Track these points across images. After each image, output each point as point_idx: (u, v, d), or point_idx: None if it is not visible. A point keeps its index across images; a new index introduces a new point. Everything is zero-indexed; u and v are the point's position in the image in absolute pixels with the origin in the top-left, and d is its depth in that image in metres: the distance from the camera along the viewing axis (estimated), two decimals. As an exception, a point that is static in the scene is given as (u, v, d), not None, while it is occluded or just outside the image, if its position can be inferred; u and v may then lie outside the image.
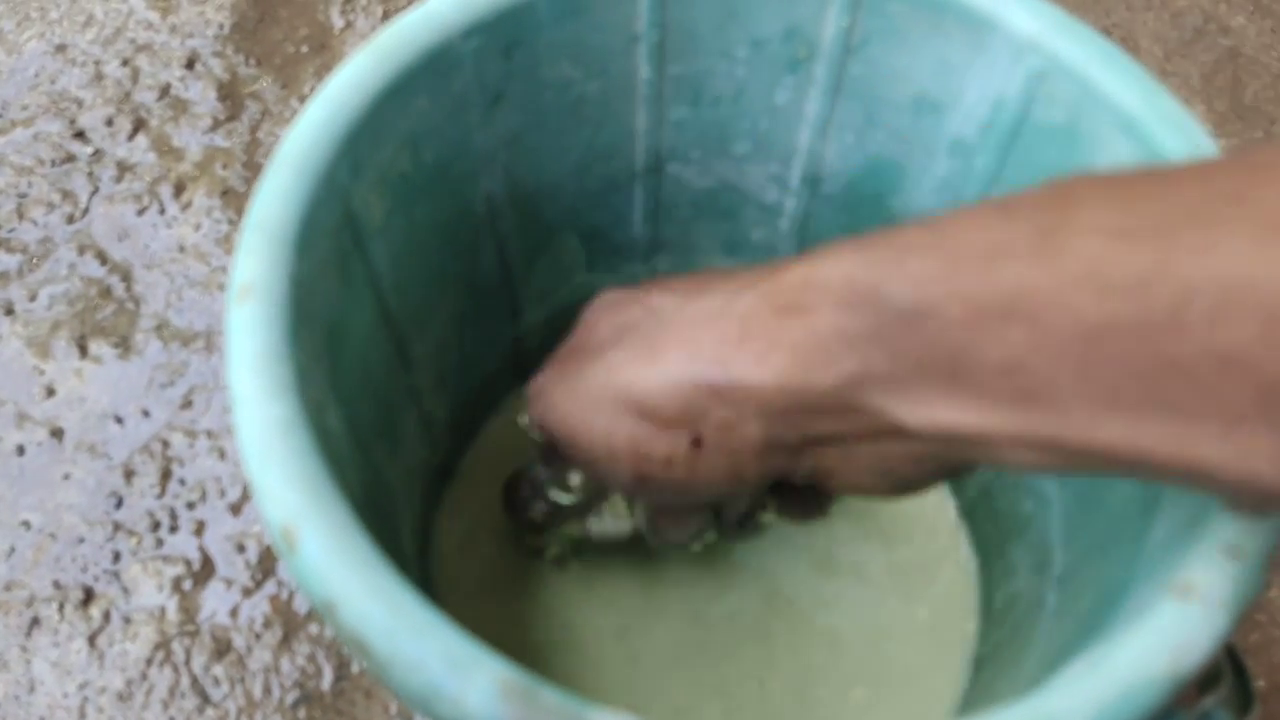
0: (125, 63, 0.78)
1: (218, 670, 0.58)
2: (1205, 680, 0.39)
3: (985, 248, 0.29)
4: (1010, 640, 0.49)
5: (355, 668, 0.57)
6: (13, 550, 0.61)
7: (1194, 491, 0.33)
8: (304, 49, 0.80)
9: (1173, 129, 0.41)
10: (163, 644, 0.58)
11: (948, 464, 0.36)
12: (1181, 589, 0.31)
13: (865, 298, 0.31)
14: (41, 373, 0.66)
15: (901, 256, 0.30)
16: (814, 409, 0.34)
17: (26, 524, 0.61)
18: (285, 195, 0.37)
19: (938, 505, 0.57)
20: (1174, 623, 0.31)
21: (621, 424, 0.37)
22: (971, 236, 0.29)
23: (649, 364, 0.36)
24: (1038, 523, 0.49)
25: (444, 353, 0.50)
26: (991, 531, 0.54)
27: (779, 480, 0.38)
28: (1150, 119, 0.41)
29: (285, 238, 0.37)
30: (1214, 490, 0.29)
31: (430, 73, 0.42)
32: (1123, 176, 0.28)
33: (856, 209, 0.53)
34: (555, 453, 0.42)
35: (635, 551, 0.54)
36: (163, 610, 0.59)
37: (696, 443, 0.36)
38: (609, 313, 0.41)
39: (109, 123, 0.75)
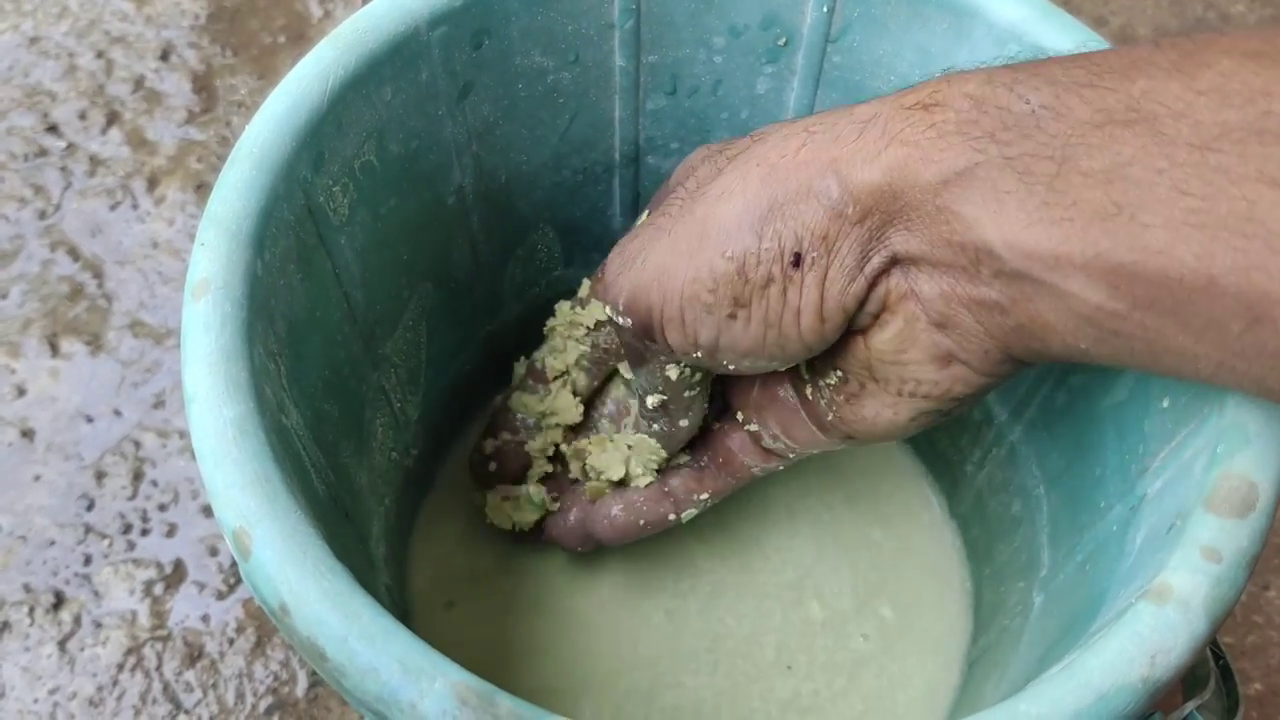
0: (99, 54, 0.77)
1: (190, 676, 0.57)
2: (1191, 684, 0.38)
3: (1126, 63, 0.29)
4: (998, 643, 0.49)
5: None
6: (-18, 552, 0.60)
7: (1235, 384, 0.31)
8: (281, 39, 0.79)
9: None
10: (134, 649, 0.57)
11: (1003, 364, 0.35)
12: (1159, 592, 0.31)
13: (998, 96, 0.31)
14: (12, 371, 0.65)
15: (1042, 66, 0.31)
16: (910, 210, 0.33)
17: (-4, 526, 0.60)
18: (244, 189, 0.37)
19: (928, 506, 0.56)
20: (1150, 626, 0.30)
21: (728, 245, 0.35)
22: (1117, 57, 0.30)
23: (758, 188, 0.35)
24: (1026, 524, 0.49)
25: (415, 350, 0.49)
26: (980, 533, 0.53)
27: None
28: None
29: (243, 232, 0.36)
30: (1267, 347, 0.28)
31: (396, 62, 0.41)
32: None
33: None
34: (642, 334, 0.40)
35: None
36: (134, 615, 0.58)
37: (796, 261, 0.35)
38: (707, 158, 0.39)
39: (82, 116, 0.74)
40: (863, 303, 0.35)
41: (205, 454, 0.32)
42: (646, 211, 0.43)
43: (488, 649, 0.51)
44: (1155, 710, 0.33)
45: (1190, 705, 0.36)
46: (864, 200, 0.33)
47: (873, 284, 0.35)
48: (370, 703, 0.29)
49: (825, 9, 0.45)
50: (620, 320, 0.40)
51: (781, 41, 0.47)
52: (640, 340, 0.40)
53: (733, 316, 0.36)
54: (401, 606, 0.50)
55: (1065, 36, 0.42)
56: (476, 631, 0.52)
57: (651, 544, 0.53)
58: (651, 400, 0.43)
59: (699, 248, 0.36)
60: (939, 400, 0.36)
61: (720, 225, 0.36)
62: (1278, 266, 0.26)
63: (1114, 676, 0.30)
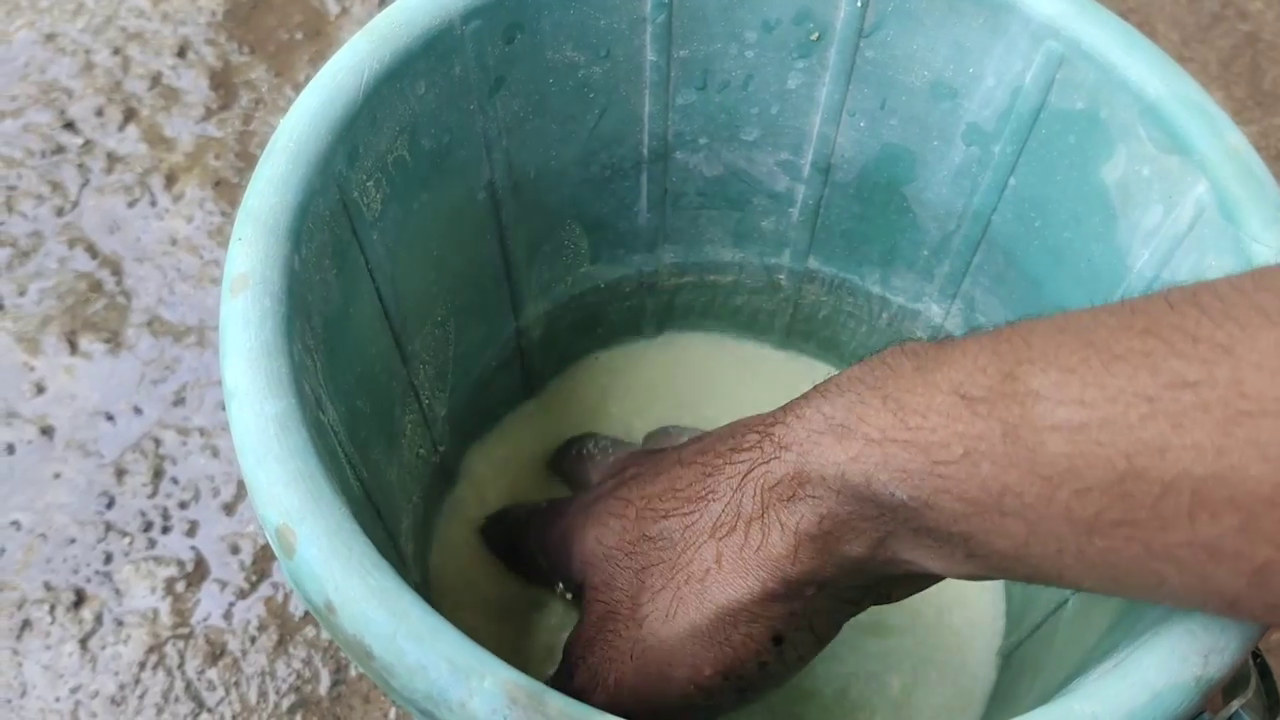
0: (116, 51, 0.77)
1: (212, 674, 0.56)
2: (1232, 684, 0.38)
3: (959, 445, 0.29)
4: (1030, 641, 0.48)
5: (353, 671, 0.56)
6: (2, 551, 0.59)
7: None
8: (298, 35, 0.79)
9: (1196, 115, 0.40)
10: (156, 647, 0.57)
11: None
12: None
13: (862, 492, 0.31)
14: (31, 369, 0.65)
15: (882, 448, 0.31)
16: (858, 570, 0.34)
17: (16, 524, 0.60)
18: (280, 183, 0.36)
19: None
20: (1203, 624, 0.30)
21: (702, 664, 0.37)
22: (942, 429, 0.29)
23: (699, 608, 0.37)
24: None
25: (443, 346, 0.49)
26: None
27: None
28: (1173, 105, 0.40)
29: (281, 227, 0.35)
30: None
31: (429, 56, 0.41)
32: (1067, 347, 0.28)
33: (870, 197, 0.51)
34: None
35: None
36: (155, 612, 0.58)
37: (778, 640, 0.36)
38: (616, 564, 0.40)
39: (99, 113, 0.74)
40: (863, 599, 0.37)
41: (247, 450, 0.31)
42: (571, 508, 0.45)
43: (510, 654, 0.51)
44: (1203, 710, 0.33)
45: (1235, 704, 0.36)
46: (810, 582, 0.35)
47: (861, 600, 0.37)
48: (419, 701, 0.28)
49: (859, 3, 0.45)
50: None
51: (814, 36, 0.46)
52: None
53: (736, 689, 0.38)
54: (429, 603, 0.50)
55: (1102, 31, 0.41)
56: (498, 635, 0.52)
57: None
58: None
59: (675, 662, 0.38)
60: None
61: (682, 648, 0.37)
62: (1213, 610, 0.29)
63: (1168, 675, 0.29)
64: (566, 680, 0.41)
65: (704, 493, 0.37)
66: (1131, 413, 0.26)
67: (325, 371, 0.37)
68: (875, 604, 0.38)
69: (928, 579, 0.36)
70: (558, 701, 0.28)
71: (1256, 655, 0.39)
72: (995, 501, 0.28)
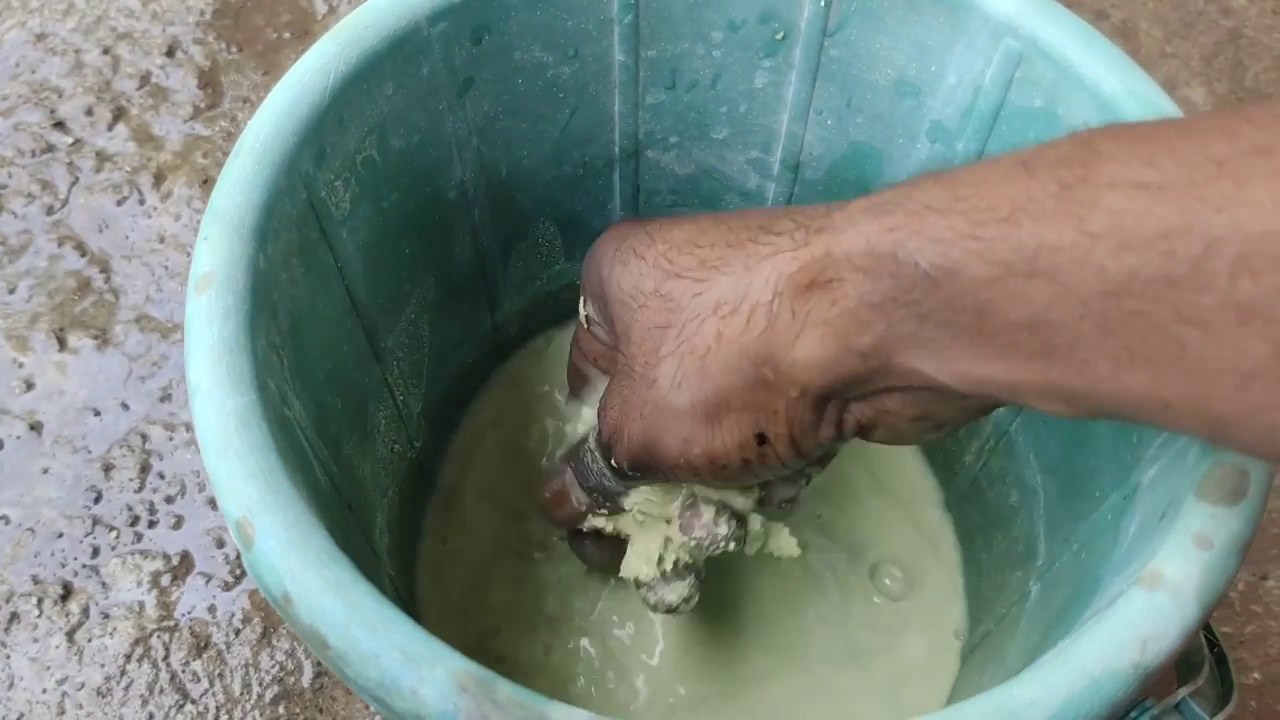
0: (105, 51, 0.78)
1: (197, 666, 0.57)
2: (1185, 670, 0.38)
3: (1006, 205, 0.28)
4: (996, 631, 0.49)
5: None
6: (-9, 545, 0.60)
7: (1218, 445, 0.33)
8: (286, 35, 0.80)
9: (1152, 112, 0.40)
10: (142, 639, 0.58)
11: (983, 406, 0.36)
12: (1151, 579, 0.31)
13: (887, 263, 0.31)
14: (20, 365, 0.65)
15: (921, 217, 0.30)
16: (853, 376, 0.34)
17: (5, 519, 0.61)
18: (246, 183, 0.37)
19: (924, 498, 0.57)
20: (1142, 613, 0.31)
21: (691, 443, 0.37)
22: (992, 193, 0.29)
23: (698, 386, 0.37)
24: (1023, 514, 0.49)
25: (417, 343, 0.50)
26: (979, 523, 0.54)
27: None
28: (1128, 102, 0.40)
29: (245, 227, 0.36)
30: (1235, 446, 0.28)
31: (396, 58, 0.42)
32: (1147, 127, 0.28)
33: (839, 194, 0.52)
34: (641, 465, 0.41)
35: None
36: (141, 605, 0.59)
37: (761, 439, 0.36)
38: (631, 313, 0.40)
39: (89, 112, 0.75)
40: (839, 434, 0.37)
41: (209, 445, 0.32)
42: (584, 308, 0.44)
43: (492, 639, 0.52)
44: (1147, 697, 0.33)
45: (1183, 692, 0.36)
46: (801, 380, 0.34)
47: (841, 423, 0.36)
48: (372, 689, 0.29)
49: (822, 3, 0.45)
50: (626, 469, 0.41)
51: (779, 36, 0.47)
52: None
53: (721, 476, 0.38)
54: (406, 597, 0.51)
55: (1059, 29, 0.42)
56: (482, 622, 0.52)
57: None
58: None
59: (671, 431, 0.38)
60: (950, 416, 0.37)
61: (679, 420, 0.37)
62: (1225, 392, 0.26)
63: (1105, 662, 0.30)
64: (599, 431, 0.42)
65: (718, 261, 0.37)
66: (1199, 174, 0.25)
67: (293, 368, 0.37)
68: (862, 434, 0.37)
69: (903, 423, 0.36)
70: (507, 689, 0.28)
71: (1214, 644, 0.39)
72: (1027, 262, 0.28)
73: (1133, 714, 0.33)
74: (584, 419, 0.46)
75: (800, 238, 0.34)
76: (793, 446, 0.37)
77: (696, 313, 0.37)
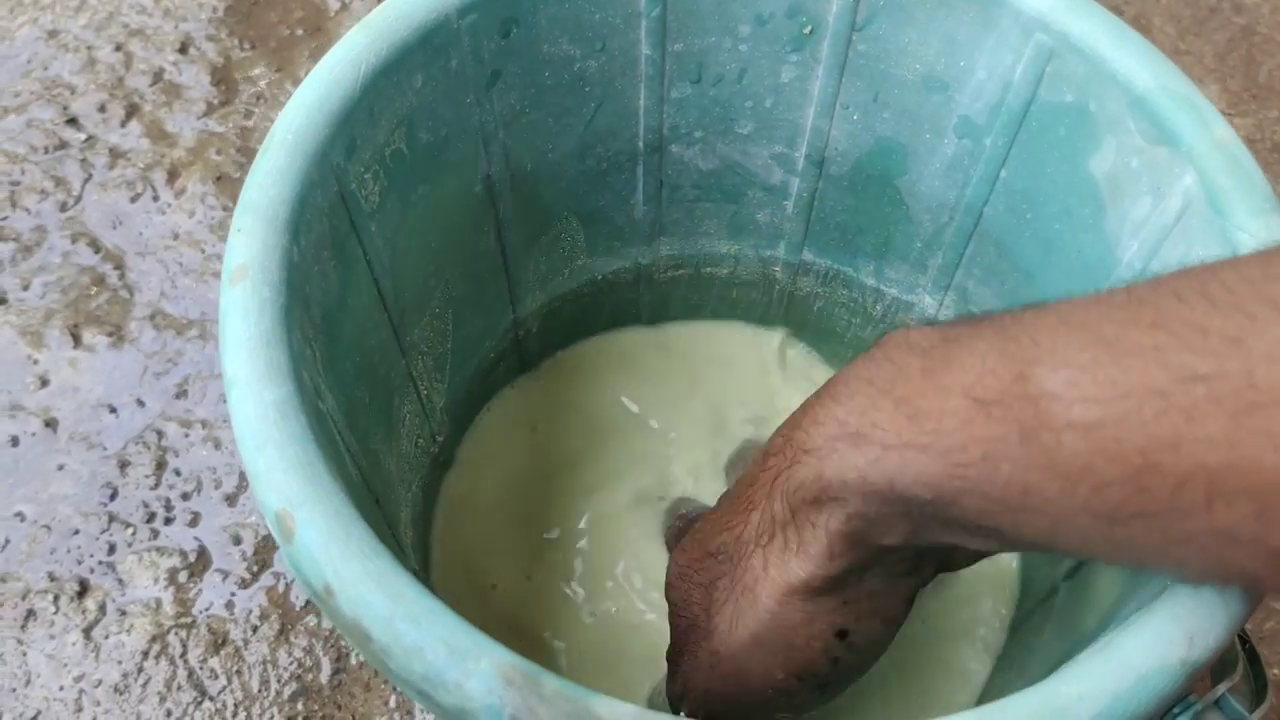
0: (118, 48, 0.77)
1: (214, 663, 0.57)
2: (1219, 668, 0.38)
3: (977, 448, 0.29)
4: (1024, 628, 0.49)
5: (354, 660, 0.57)
6: (7, 542, 0.60)
7: None
8: (299, 31, 0.79)
9: (1183, 107, 0.40)
10: (159, 636, 0.57)
11: None
12: (1200, 574, 0.31)
13: (886, 494, 0.32)
14: (35, 362, 0.65)
15: (900, 453, 0.31)
16: (900, 552, 0.35)
17: (21, 515, 0.61)
18: (279, 176, 0.37)
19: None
20: (1188, 609, 0.31)
21: (773, 669, 0.38)
22: (958, 432, 0.30)
23: (756, 618, 0.37)
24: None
25: (441, 337, 0.50)
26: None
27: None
28: (1161, 97, 0.40)
29: (279, 219, 0.36)
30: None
31: (426, 50, 0.42)
32: (1076, 346, 0.28)
33: (864, 190, 0.52)
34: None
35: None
36: (158, 602, 0.58)
37: (841, 634, 0.37)
38: (689, 581, 0.41)
39: (102, 109, 0.74)
40: (919, 576, 0.37)
41: (246, 437, 0.32)
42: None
43: (512, 635, 0.51)
44: (1190, 693, 0.33)
45: (1222, 688, 0.36)
46: (852, 567, 0.35)
47: (918, 571, 0.37)
48: (416, 683, 0.29)
49: (851, -3, 0.45)
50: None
51: (807, 30, 0.47)
52: None
53: (816, 684, 0.39)
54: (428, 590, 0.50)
55: (1091, 24, 0.42)
56: (495, 619, 0.52)
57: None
58: None
59: (747, 669, 0.39)
60: None
61: (751, 655, 0.38)
62: (1240, 583, 0.30)
63: (1153, 658, 0.30)
64: (668, 686, 0.44)
65: (746, 504, 0.38)
66: (1146, 408, 0.26)
67: (324, 361, 0.37)
68: (942, 570, 0.38)
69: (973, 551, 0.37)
70: (553, 682, 0.28)
71: (1245, 641, 0.39)
72: (1018, 499, 0.29)
73: (1176, 710, 0.33)
74: None
75: (791, 455, 0.35)
76: (877, 619, 0.37)
77: (743, 551, 0.38)
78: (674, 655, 0.43)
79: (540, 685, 0.28)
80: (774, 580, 0.36)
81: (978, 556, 0.37)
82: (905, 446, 0.31)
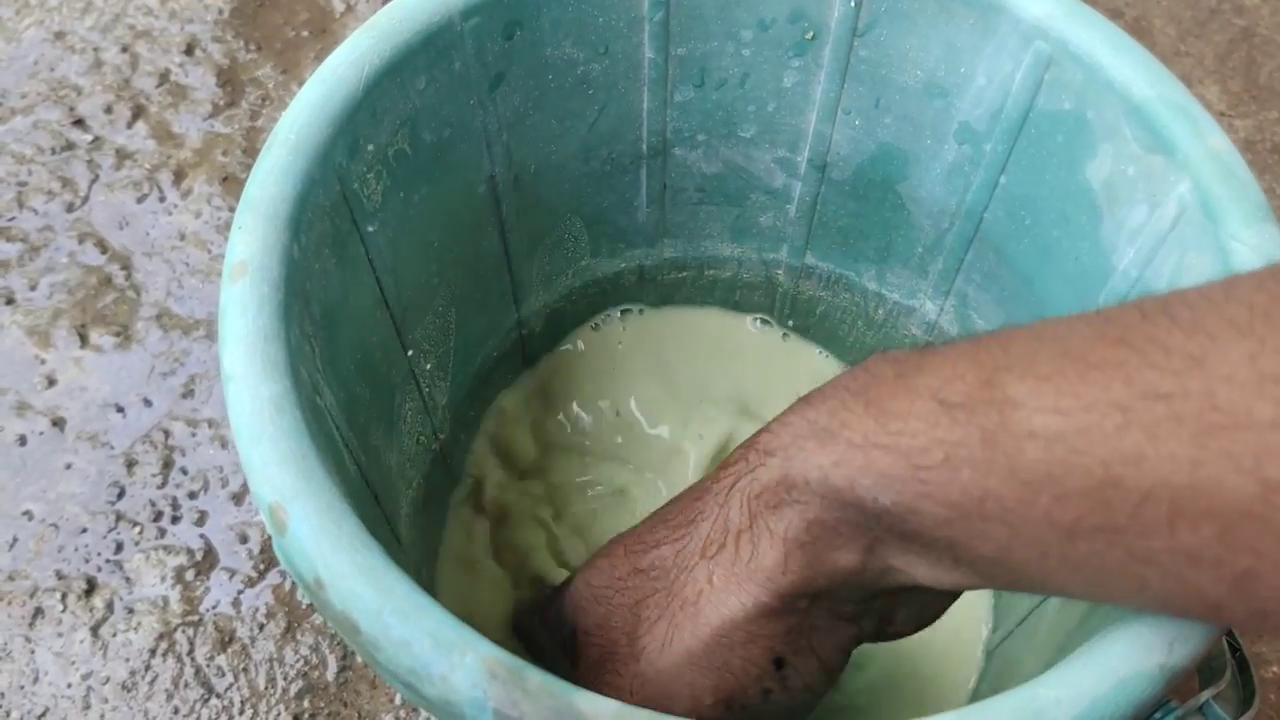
0: (124, 49, 0.78)
1: (221, 661, 0.57)
2: (1207, 674, 0.38)
3: (939, 450, 0.29)
4: (1016, 634, 0.49)
5: (359, 658, 0.57)
6: (15, 541, 0.60)
7: None
8: (304, 33, 0.80)
9: (1179, 116, 0.40)
10: (166, 634, 0.58)
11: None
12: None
13: (846, 497, 0.32)
14: (42, 362, 0.66)
15: (865, 453, 0.31)
16: (851, 582, 0.34)
17: (29, 514, 0.61)
18: (281, 174, 0.37)
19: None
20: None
21: (702, 693, 0.37)
22: (922, 434, 0.30)
23: (694, 632, 0.36)
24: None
25: (443, 337, 0.50)
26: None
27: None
28: (1157, 106, 0.40)
29: (280, 216, 0.36)
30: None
31: (429, 52, 0.42)
32: (1044, 359, 0.28)
33: (865, 194, 0.52)
34: None
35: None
36: (165, 600, 0.59)
37: (779, 663, 0.36)
38: (608, 603, 0.40)
39: (108, 110, 0.75)
40: (860, 632, 0.37)
41: (242, 431, 0.32)
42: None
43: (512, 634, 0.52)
44: (1171, 698, 0.33)
45: (1206, 694, 0.36)
46: (804, 588, 0.34)
47: (860, 619, 0.36)
48: (403, 675, 0.29)
49: (853, 3, 0.45)
50: None
51: (809, 35, 0.47)
52: None
53: (743, 716, 0.37)
54: (428, 588, 0.51)
55: (1089, 32, 0.42)
56: (497, 618, 0.52)
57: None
58: None
59: (673, 691, 0.37)
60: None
61: (679, 677, 0.37)
62: (1198, 613, 0.29)
63: (1132, 663, 0.30)
64: None
65: (693, 516, 0.38)
66: (1107, 422, 0.26)
67: (324, 357, 0.38)
68: (876, 633, 0.37)
69: (926, 602, 0.36)
70: (537, 677, 0.28)
71: (1236, 649, 0.39)
72: (977, 506, 0.29)
73: (1157, 715, 0.33)
74: None
75: (755, 459, 0.35)
76: (815, 659, 0.36)
77: (685, 563, 0.37)
78: (583, 684, 0.41)
79: (524, 679, 0.28)
80: (719, 593, 0.35)
81: (920, 618, 0.37)
82: (870, 446, 0.31)
